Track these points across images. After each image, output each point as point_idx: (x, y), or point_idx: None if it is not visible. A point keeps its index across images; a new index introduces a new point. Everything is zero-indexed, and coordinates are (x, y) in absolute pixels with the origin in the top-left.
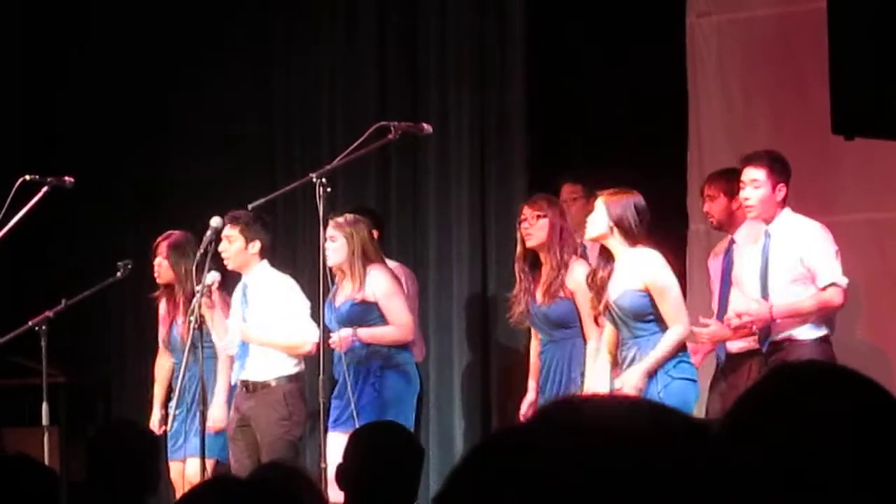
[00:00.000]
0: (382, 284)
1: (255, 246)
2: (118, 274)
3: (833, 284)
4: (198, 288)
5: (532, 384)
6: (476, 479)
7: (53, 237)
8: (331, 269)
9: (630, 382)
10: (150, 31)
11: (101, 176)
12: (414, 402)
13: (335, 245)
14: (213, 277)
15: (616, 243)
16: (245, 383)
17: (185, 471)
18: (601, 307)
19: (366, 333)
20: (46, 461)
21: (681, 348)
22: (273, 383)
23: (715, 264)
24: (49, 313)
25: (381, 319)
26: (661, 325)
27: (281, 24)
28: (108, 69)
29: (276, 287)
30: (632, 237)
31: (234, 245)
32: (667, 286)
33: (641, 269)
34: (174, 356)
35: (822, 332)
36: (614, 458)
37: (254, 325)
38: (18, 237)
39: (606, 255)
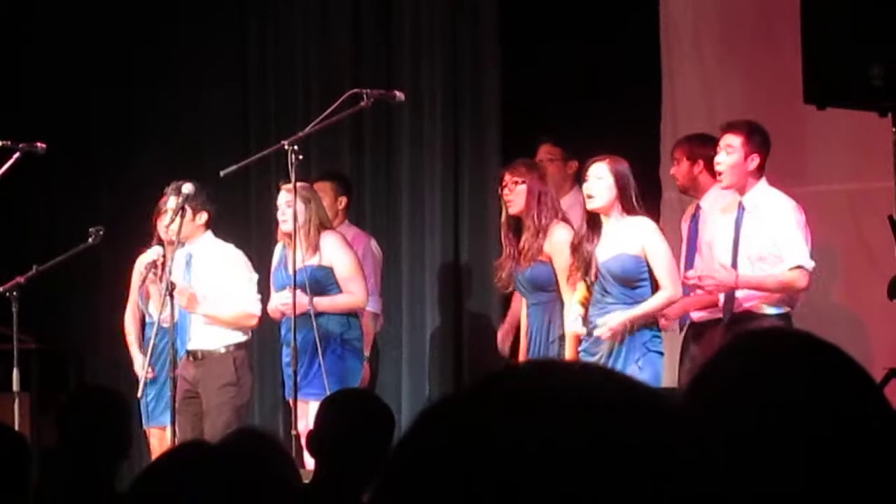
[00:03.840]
0: (337, 251)
1: (202, 217)
2: (90, 240)
3: (800, 267)
4: (143, 259)
5: (524, 342)
6: (420, 451)
7: (24, 203)
8: (284, 235)
9: (610, 324)
10: None
11: (73, 142)
12: (359, 377)
13: (291, 211)
14: (157, 252)
15: (614, 211)
16: (192, 353)
17: (166, 437)
18: (583, 270)
19: (323, 303)
20: (17, 427)
21: (655, 323)
22: (223, 350)
23: (686, 228)
24: (20, 279)
25: (338, 286)
26: (645, 294)
27: None
28: (78, 34)
29: (223, 259)
30: (629, 204)
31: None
32: (662, 251)
33: (640, 234)
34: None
35: (784, 309)
36: (564, 428)
37: (199, 296)
38: None
39: (593, 222)
